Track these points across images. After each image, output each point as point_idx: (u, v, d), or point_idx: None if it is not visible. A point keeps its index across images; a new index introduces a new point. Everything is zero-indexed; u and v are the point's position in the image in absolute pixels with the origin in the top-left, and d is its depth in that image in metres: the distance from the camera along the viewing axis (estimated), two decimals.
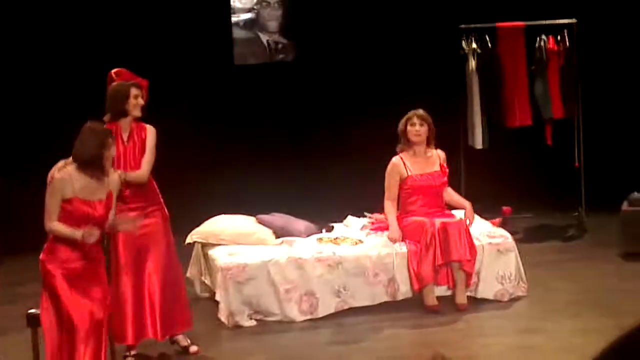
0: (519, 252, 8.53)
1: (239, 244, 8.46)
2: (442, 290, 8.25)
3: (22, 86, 10.82)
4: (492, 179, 10.18)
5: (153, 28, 11.00)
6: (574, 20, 10.32)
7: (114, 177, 6.43)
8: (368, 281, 8.22)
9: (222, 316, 7.97)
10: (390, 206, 8.44)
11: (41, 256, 6.28)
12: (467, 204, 8.45)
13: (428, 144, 8.41)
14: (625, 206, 9.58)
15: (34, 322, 6.42)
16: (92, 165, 6.24)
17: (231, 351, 7.55)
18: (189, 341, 7.33)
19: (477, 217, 8.54)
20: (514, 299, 8.38)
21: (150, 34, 10.94)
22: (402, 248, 8.26)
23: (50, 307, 6.21)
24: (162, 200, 7.23)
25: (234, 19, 11.62)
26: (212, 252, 8.44)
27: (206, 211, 8.94)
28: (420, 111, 8.38)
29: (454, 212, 8.59)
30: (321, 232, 8.87)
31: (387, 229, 8.55)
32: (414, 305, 8.17)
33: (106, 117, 7.07)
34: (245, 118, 11.43)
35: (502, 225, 9.27)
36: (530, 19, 10.36)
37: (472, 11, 10.73)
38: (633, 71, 11.31)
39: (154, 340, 7.16)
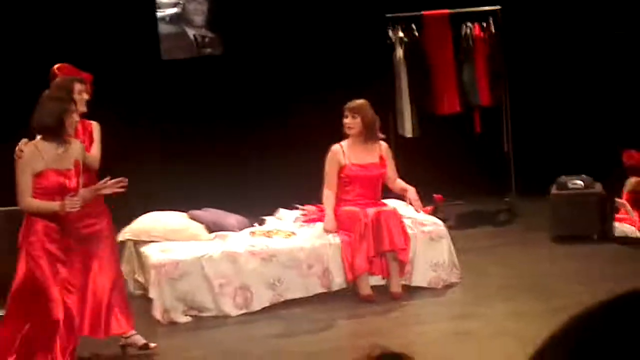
0: (452, 239, 8.58)
1: (171, 240, 8.41)
2: (376, 280, 8.27)
3: None
4: (423, 167, 10.20)
5: (79, 25, 10.86)
6: (498, 7, 10.40)
7: (77, 144, 6.36)
8: (302, 273, 8.21)
9: (157, 313, 7.90)
10: (329, 196, 8.37)
11: (20, 238, 6.18)
12: (410, 188, 8.38)
13: (367, 135, 8.38)
14: (554, 190, 9.69)
15: None
16: (56, 132, 6.15)
17: (167, 348, 7.47)
18: (144, 339, 7.24)
19: (409, 206, 8.47)
20: (448, 286, 8.43)
21: (76, 30, 10.80)
22: (335, 239, 8.26)
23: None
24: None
25: (159, 14, 11.52)
26: (145, 250, 8.38)
27: (137, 208, 8.86)
28: (355, 103, 8.32)
29: (386, 201, 8.61)
30: (253, 225, 8.85)
31: (319, 220, 8.54)
32: (348, 296, 8.19)
33: None
34: (175, 113, 11.34)
35: (434, 212, 9.31)
36: (456, 6, 10.42)
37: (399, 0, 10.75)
38: (558, 56, 11.43)
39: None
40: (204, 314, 8.02)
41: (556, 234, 9.55)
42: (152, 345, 7.22)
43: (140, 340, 7.21)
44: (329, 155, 8.39)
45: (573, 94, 11.45)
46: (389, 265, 8.15)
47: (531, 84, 11.39)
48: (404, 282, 8.30)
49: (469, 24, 10.38)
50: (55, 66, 7.20)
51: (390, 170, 8.47)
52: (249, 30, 11.44)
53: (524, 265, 8.88)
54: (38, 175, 6.10)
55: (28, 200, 6.09)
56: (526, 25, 11.27)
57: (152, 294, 7.96)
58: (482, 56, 10.43)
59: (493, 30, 10.39)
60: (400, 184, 8.43)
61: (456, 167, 11.01)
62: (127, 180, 6.48)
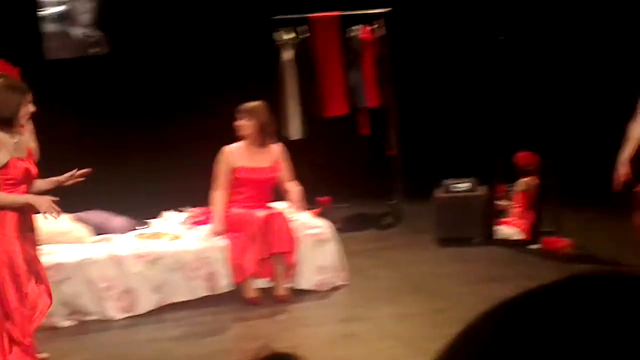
0: (338, 242, 8.62)
1: (54, 243, 8.26)
2: (263, 282, 8.26)
3: None
4: (310, 169, 10.23)
5: None
6: (388, 10, 10.47)
7: (26, 134, 6.40)
8: (187, 276, 8.15)
9: None
10: (217, 197, 8.32)
11: None
12: (295, 190, 8.38)
13: (262, 138, 8.34)
14: (437, 193, 9.81)
15: None
16: (13, 123, 6.09)
17: (49, 353, 7.33)
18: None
19: (294, 208, 8.49)
20: (335, 288, 8.47)
21: None
22: (221, 241, 8.22)
23: None
24: None
25: (42, 12, 11.30)
26: None
27: None
28: (250, 105, 8.29)
29: (274, 203, 8.60)
30: (139, 228, 8.75)
31: (206, 222, 8.49)
32: (234, 299, 8.16)
33: None
34: (59, 114, 11.13)
35: (321, 215, 9.34)
36: (346, 8, 10.45)
37: (287, 1, 10.74)
38: (446, 60, 11.59)
39: None
40: (88, 318, 7.91)
41: (440, 236, 9.67)
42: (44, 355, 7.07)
43: None
44: (219, 157, 8.34)
45: (460, 97, 11.63)
46: (276, 268, 8.15)
47: (419, 87, 11.52)
48: (290, 285, 8.31)
49: (357, 26, 10.43)
50: None
51: (286, 172, 8.45)
52: (136, 30, 11.32)
53: (409, 268, 8.96)
54: (4, 167, 6.01)
55: None
56: (415, 28, 11.40)
57: None
58: (369, 58, 10.49)
59: (382, 33, 10.46)
60: (292, 186, 8.44)
61: (342, 169, 11.07)
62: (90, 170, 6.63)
